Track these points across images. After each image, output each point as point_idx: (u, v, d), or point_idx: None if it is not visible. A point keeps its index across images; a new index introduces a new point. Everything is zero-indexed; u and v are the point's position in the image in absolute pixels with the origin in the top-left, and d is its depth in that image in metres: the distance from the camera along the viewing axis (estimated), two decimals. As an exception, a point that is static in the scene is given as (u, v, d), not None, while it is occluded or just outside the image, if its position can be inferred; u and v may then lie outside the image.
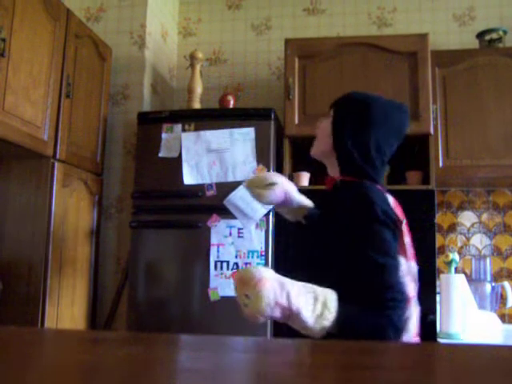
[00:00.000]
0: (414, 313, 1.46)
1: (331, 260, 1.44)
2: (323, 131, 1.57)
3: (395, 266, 1.34)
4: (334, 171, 1.57)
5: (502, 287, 2.62)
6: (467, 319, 2.34)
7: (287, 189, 1.70)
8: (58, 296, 2.39)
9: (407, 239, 1.47)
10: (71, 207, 2.53)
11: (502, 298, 2.66)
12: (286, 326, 1.42)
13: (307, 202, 1.75)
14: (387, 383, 0.48)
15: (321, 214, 1.62)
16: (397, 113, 1.53)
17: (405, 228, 1.46)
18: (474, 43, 2.93)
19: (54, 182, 2.38)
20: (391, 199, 1.47)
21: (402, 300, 1.31)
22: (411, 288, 1.43)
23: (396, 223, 1.39)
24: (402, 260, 1.41)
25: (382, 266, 1.31)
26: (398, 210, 1.46)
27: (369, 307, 1.30)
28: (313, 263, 1.54)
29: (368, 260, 1.33)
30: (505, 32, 2.84)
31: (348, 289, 1.32)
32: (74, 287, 2.56)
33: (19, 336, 0.75)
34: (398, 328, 1.30)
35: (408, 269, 1.43)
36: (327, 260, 1.45)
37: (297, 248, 1.73)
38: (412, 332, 1.45)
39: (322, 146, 1.58)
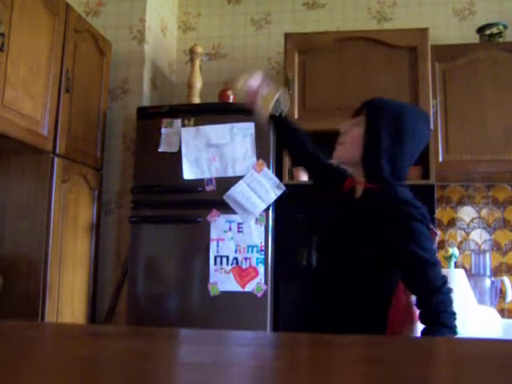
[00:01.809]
0: None
1: (369, 263, 1.46)
2: (353, 139, 1.54)
3: (439, 263, 1.40)
4: (357, 174, 1.57)
5: (502, 282, 2.62)
6: (467, 314, 2.34)
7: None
8: (57, 291, 2.40)
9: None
10: (71, 202, 2.53)
11: (502, 293, 2.66)
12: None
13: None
14: (387, 377, 0.48)
15: (344, 218, 1.57)
16: (424, 123, 1.56)
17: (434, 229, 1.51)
18: (475, 38, 2.92)
19: (54, 177, 2.38)
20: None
21: (451, 299, 1.37)
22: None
23: (429, 222, 1.44)
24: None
25: (430, 264, 1.37)
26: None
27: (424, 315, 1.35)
28: (344, 269, 1.52)
29: (416, 258, 1.37)
30: (505, 27, 2.83)
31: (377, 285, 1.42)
32: (74, 282, 2.56)
33: (19, 330, 0.75)
34: (454, 330, 1.34)
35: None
36: (362, 264, 1.48)
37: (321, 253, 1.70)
38: None
39: (350, 154, 1.55)
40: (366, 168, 1.52)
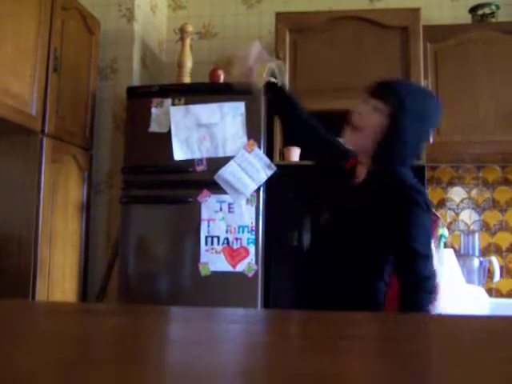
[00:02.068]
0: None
1: (369, 245, 1.47)
2: (374, 127, 1.46)
3: (431, 256, 1.41)
4: (362, 157, 1.54)
5: (490, 262, 2.65)
6: (455, 293, 2.37)
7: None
8: (48, 271, 2.39)
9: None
10: (60, 183, 2.51)
11: (490, 273, 2.69)
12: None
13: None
14: (375, 353, 0.49)
15: (355, 201, 1.53)
16: (440, 113, 1.54)
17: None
18: (467, 18, 2.90)
19: (43, 158, 2.36)
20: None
21: (435, 292, 1.38)
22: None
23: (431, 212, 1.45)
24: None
25: (422, 256, 1.38)
26: None
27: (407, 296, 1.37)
28: (342, 249, 1.52)
29: (410, 249, 1.38)
30: (497, 7, 2.81)
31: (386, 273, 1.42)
32: (65, 262, 2.55)
33: (10, 308, 0.75)
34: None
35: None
36: (363, 246, 1.47)
37: (318, 234, 1.69)
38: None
39: (367, 142, 1.48)
40: (378, 155, 1.47)
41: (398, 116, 1.43)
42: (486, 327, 0.64)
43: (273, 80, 1.73)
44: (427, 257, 1.38)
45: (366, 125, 1.47)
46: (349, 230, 1.50)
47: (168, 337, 0.58)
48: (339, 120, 1.55)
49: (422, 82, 2.58)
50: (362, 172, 1.54)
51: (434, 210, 1.49)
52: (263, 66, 1.69)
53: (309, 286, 1.58)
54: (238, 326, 0.62)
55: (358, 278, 1.46)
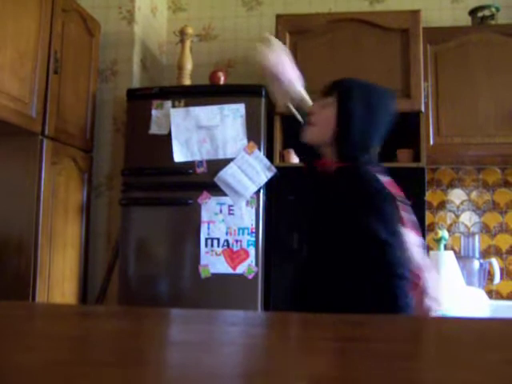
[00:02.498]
0: (431, 279, 1.50)
1: (339, 239, 1.49)
2: (326, 120, 1.55)
3: (397, 242, 1.41)
4: (328, 154, 1.58)
5: (490, 264, 2.65)
6: (455, 295, 2.37)
7: (283, 60, 1.73)
8: (48, 273, 2.39)
9: (412, 217, 1.54)
10: (60, 185, 2.51)
11: (490, 275, 2.69)
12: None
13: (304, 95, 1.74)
14: (375, 354, 0.49)
15: (322, 199, 1.61)
16: (391, 101, 1.60)
17: (408, 207, 1.53)
18: (467, 20, 2.91)
19: (43, 160, 2.36)
20: (387, 179, 1.52)
21: (406, 277, 1.38)
22: (422, 257, 1.49)
23: (395, 200, 1.47)
24: (408, 233, 1.48)
25: (385, 244, 1.39)
26: (397, 190, 1.52)
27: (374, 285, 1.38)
28: (320, 241, 1.58)
29: (373, 238, 1.40)
30: (497, 9, 2.82)
31: (355, 264, 1.42)
32: (65, 265, 2.55)
33: (10, 310, 0.75)
34: (404, 300, 1.37)
35: (414, 240, 1.50)
36: (335, 239, 1.51)
37: (304, 228, 1.75)
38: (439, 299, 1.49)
39: (323, 134, 1.57)
40: (338, 147, 1.55)
41: (343, 101, 1.54)
42: (485, 329, 0.64)
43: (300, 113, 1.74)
44: (391, 244, 1.39)
45: (319, 119, 1.58)
46: (329, 230, 1.53)
47: (168, 339, 0.58)
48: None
49: (422, 84, 2.58)
50: (331, 171, 1.60)
51: (401, 199, 1.50)
52: (295, 93, 1.70)
53: (308, 294, 1.59)
54: (238, 329, 0.62)
55: (348, 278, 1.46)
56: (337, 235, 1.50)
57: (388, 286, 1.37)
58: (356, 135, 1.52)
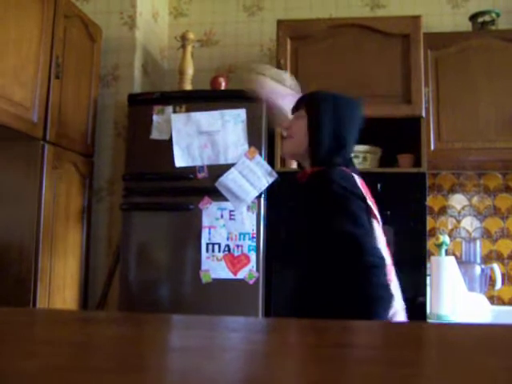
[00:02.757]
0: (393, 279, 1.54)
1: (310, 241, 1.58)
2: (299, 131, 1.67)
3: (364, 233, 1.47)
4: (307, 166, 1.68)
5: (491, 269, 2.64)
6: (457, 301, 2.37)
7: (273, 88, 1.86)
8: (49, 279, 2.39)
9: (377, 217, 1.59)
10: (61, 190, 2.51)
11: (491, 280, 2.68)
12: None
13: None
14: (375, 361, 0.48)
15: (299, 205, 1.71)
16: (356, 107, 1.71)
17: (372, 205, 1.57)
18: (467, 25, 2.91)
19: (44, 164, 2.36)
20: (358, 179, 1.60)
21: (379, 264, 1.43)
22: (387, 255, 1.53)
23: (362, 198, 1.53)
24: (375, 226, 1.54)
25: (350, 234, 1.44)
26: (365, 189, 1.59)
27: (349, 279, 1.42)
28: (298, 245, 1.69)
29: (336, 231, 1.47)
30: (497, 14, 2.82)
31: (329, 263, 1.48)
32: (66, 270, 2.55)
33: (11, 316, 0.75)
34: (383, 285, 1.41)
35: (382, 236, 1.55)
36: (308, 241, 1.60)
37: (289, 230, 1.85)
38: (398, 297, 1.52)
39: (298, 145, 1.68)
40: (312, 154, 1.64)
41: (312, 112, 1.66)
42: (486, 335, 0.64)
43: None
44: (353, 234, 1.44)
45: (294, 132, 1.70)
46: (308, 235, 1.60)
47: (169, 345, 0.58)
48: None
49: (423, 90, 2.58)
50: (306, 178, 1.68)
51: (361, 193, 1.56)
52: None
53: (302, 295, 1.63)
54: (238, 335, 0.62)
55: (332, 282, 1.49)
56: (311, 236, 1.58)
57: (364, 275, 1.41)
58: (326, 140, 1.61)
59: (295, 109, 1.73)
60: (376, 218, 1.58)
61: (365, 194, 1.56)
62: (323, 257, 1.52)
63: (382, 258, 1.45)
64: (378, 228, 1.57)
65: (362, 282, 1.41)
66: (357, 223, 1.47)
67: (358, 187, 1.56)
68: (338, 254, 1.47)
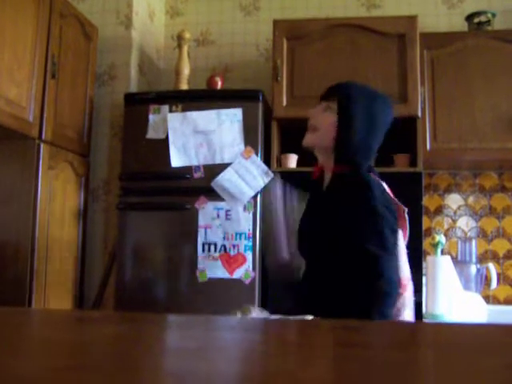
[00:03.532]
0: (409, 295, 1.50)
1: (333, 249, 1.47)
2: (327, 125, 1.55)
3: (388, 259, 1.39)
4: (326, 161, 1.58)
5: (487, 269, 2.65)
6: (452, 300, 2.37)
7: None
8: (45, 278, 2.38)
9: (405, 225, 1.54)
10: (57, 189, 2.51)
11: (487, 280, 2.69)
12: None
13: None
14: (374, 360, 0.48)
15: (319, 206, 1.60)
16: (390, 109, 1.60)
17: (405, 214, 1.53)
18: (463, 26, 2.92)
19: (40, 164, 2.35)
20: (386, 186, 1.53)
21: (392, 293, 1.37)
22: (406, 270, 1.49)
23: (394, 214, 1.46)
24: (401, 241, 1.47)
25: (374, 255, 1.36)
26: (391, 196, 1.53)
27: (360, 297, 1.36)
28: (314, 251, 1.57)
29: (360, 247, 1.38)
30: (493, 15, 2.83)
31: (344, 277, 1.40)
32: (61, 269, 2.55)
33: (7, 315, 0.75)
34: (388, 317, 1.36)
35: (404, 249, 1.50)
36: (329, 248, 1.49)
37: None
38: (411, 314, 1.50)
39: (324, 140, 1.56)
40: (338, 153, 1.54)
41: (345, 106, 1.53)
42: (483, 335, 0.64)
43: None
44: (379, 257, 1.36)
45: (320, 123, 1.57)
46: (324, 238, 1.51)
47: (165, 345, 0.57)
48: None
49: (419, 89, 2.59)
50: (327, 178, 1.59)
51: (398, 204, 1.51)
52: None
53: (303, 297, 1.60)
54: (233, 334, 0.62)
55: (341, 285, 1.45)
56: (327, 240, 1.48)
57: (374, 301, 1.35)
58: (357, 140, 1.51)
59: (324, 98, 1.59)
60: (404, 228, 1.52)
61: (394, 206, 1.49)
62: (338, 266, 1.44)
63: (395, 287, 1.38)
64: (401, 242, 1.50)
65: (370, 307, 1.34)
66: (384, 246, 1.39)
67: (390, 200, 1.48)
68: (354, 269, 1.39)
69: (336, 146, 1.53)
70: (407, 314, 1.49)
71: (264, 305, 2.47)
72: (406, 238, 1.56)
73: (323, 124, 1.56)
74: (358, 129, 1.51)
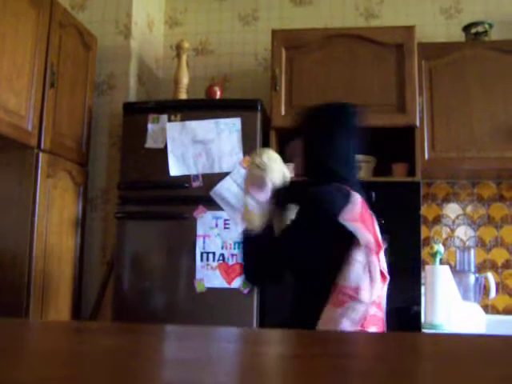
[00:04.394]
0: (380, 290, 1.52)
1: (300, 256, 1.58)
2: (298, 150, 1.68)
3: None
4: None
5: (486, 278, 2.65)
6: (451, 310, 2.37)
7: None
8: (42, 286, 2.38)
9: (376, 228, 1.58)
10: (56, 198, 2.51)
11: (486, 289, 2.69)
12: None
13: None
14: (372, 372, 0.48)
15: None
16: (350, 119, 1.66)
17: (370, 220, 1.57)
18: (460, 35, 2.93)
19: (39, 173, 2.35)
20: (358, 197, 1.56)
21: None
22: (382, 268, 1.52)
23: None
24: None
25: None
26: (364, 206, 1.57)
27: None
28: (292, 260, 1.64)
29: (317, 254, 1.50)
30: (490, 25, 2.85)
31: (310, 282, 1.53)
32: (59, 278, 2.54)
33: (4, 327, 0.74)
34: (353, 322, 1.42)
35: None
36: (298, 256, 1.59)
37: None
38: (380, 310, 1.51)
39: (301, 164, 1.69)
40: (309, 166, 1.66)
41: (304, 134, 1.66)
42: (481, 346, 0.64)
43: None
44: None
45: (295, 153, 1.71)
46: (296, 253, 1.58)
47: (163, 356, 0.57)
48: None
49: (417, 99, 2.60)
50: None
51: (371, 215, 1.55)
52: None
53: (296, 307, 1.63)
54: (232, 346, 0.62)
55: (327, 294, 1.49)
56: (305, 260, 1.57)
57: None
58: (316, 163, 1.62)
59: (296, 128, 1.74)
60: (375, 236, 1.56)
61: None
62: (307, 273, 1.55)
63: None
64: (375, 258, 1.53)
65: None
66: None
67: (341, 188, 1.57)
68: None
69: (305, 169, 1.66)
70: (351, 323, 1.49)
71: (262, 315, 2.46)
72: (382, 249, 1.56)
73: (295, 153, 1.71)
74: (319, 150, 1.61)
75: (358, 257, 1.47)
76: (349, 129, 1.63)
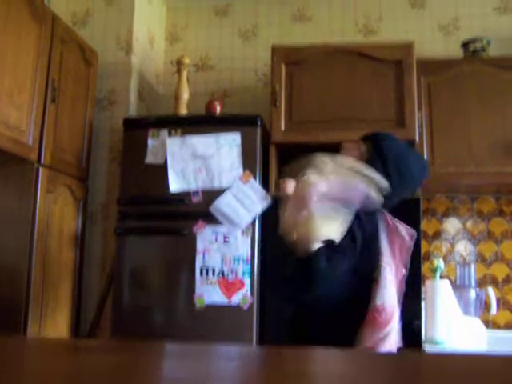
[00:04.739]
0: (394, 329, 1.52)
1: None
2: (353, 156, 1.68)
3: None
4: None
5: (486, 293, 2.64)
6: (452, 325, 2.35)
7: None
8: (41, 302, 2.37)
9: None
10: (55, 213, 2.51)
11: (486, 304, 2.67)
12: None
13: None
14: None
15: None
16: (420, 165, 1.75)
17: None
18: (459, 52, 2.96)
19: (39, 188, 2.36)
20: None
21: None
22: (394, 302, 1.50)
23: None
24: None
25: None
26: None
27: None
28: None
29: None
30: (488, 42, 2.87)
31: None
32: (58, 294, 2.53)
33: (2, 345, 0.74)
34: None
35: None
36: None
37: None
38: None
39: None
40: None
41: (374, 160, 1.65)
42: (482, 365, 0.64)
43: None
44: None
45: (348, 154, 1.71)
46: None
47: (163, 375, 0.57)
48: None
49: (416, 114, 2.61)
50: None
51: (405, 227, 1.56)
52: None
53: (300, 322, 1.62)
54: (233, 364, 0.61)
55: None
56: None
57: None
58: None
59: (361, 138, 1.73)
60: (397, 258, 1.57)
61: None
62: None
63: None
64: (389, 273, 1.53)
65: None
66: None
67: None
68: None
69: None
70: (391, 343, 1.49)
71: (262, 331, 2.45)
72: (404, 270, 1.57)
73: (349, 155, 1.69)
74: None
75: (388, 275, 1.49)
76: (417, 180, 1.78)
